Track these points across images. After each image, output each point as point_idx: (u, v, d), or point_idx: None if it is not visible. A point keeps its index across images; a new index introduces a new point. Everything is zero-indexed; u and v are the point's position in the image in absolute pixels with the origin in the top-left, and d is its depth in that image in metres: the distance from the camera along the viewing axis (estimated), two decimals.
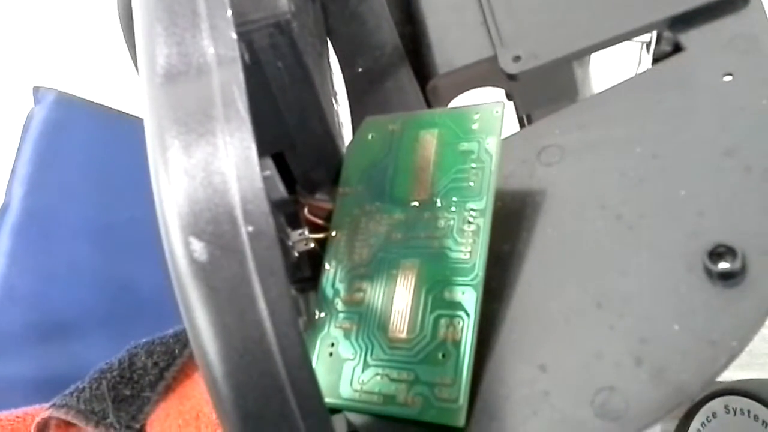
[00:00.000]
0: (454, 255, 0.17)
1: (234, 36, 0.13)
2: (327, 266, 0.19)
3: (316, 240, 0.19)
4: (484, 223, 0.17)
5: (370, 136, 0.20)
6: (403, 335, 0.17)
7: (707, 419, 0.37)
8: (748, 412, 0.34)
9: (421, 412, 0.16)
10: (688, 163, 0.17)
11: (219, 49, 0.13)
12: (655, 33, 0.21)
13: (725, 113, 0.17)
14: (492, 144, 0.18)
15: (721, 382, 0.36)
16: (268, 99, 0.17)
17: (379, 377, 0.17)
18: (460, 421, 0.15)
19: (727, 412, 0.35)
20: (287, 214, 0.19)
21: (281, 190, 0.18)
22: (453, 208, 0.18)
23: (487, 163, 0.18)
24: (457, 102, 0.24)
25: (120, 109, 0.46)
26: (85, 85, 0.48)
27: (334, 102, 0.22)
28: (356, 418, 0.17)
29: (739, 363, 0.15)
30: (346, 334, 0.18)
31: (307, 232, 0.19)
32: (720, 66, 0.18)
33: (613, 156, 0.18)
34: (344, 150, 0.20)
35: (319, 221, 0.20)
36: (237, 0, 0.14)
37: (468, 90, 0.24)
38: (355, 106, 0.23)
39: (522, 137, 0.20)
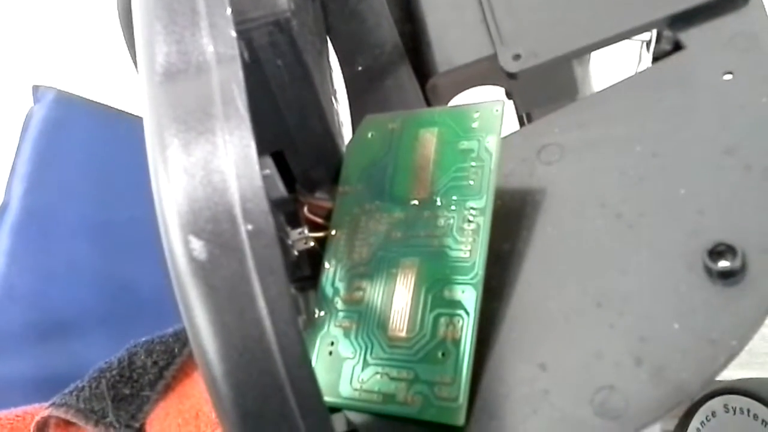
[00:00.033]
0: (453, 254, 0.17)
1: (233, 34, 0.13)
2: (327, 265, 0.19)
3: (316, 239, 0.19)
4: (483, 222, 0.17)
5: (369, 135, 0.20)
6: (403, 334, 0.17)
7: (707, 418, 0.37)
8: (748, 411, 0.34)
9: (420, 411, 0.16)
10: (688, 161, 0.17)
11: (218, 48, 0.13)
12: (655, 31, 0.20)
13: (725, 112, 0.17)
14: (492, 142, 0.18)
15: (720, 381, 0.36)
16: (267, 97, 0.17)
17: (378, 376, 0.17)
18: (460, 420, 0.15)
19: (727, 411, 0.35)
20: (287, 212, 0.19)
21: (281, 188, 0.18)
22: (453, 207, 0.18)
23: (487, 161, 0.18)
24: (456, 100, 0.24)
25: (119, 108, 0.46)
26: (84, 83, 0.48)
27: (333, 100, 0.22)
28: (356, 417, 0.17)
29: (738, 362, 0.15)
30: (346, 333, 0.18)
31: (306, 231, 0.19)
32: (720, 64, 0.18)
33: (613, 154, 0.18)
34: (344, 149, 0.20)
35: (319, 220, 0.19)
36: None
37: (468, 88, 0.24)
38: (355, 104, 0.23)
39: (522, 136, 0.20)
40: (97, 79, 0.48)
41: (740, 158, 0.16)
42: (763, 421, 0.34)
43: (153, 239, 0.13)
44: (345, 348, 0.17)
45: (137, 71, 0.13)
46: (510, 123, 0.24)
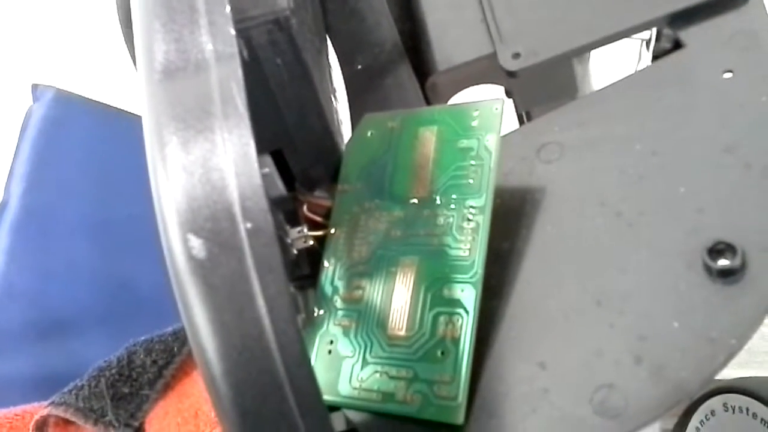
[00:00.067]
0: (453, 252, 0.17)
1: (232, 32, 0.13)
2: (326, 264, 0.19)
3: (315, 237, 0.19)
4: (483, 221, 0.17)
5: (369, 134, 0.20)
6: (402, 333, 0.17)
7: (706, 417, 0.37)
8: (747, 410, 0.34)
9: (420, 410, 0.16)
10: (688, 160, 0.17)
11: (217, 46, 0.13)
12: (654, 30, 0.20)
13: (725, 110, 0.17)
14: (491, 141, 0.18)
15: (719, 380, 0.36)
16: (266, 96, 0.17)
17: (378, 375, 0.17)
18: (459, 419, 0.15)
19: (726, 410, 0.35)
20: (286, 211, 0.19)
21: (280, 187, 0.18)
22: (452, 206, 0.17)
23: (487, 160, 0.17)
24: (456, 99, 0.24)
25: (119, 107, 0.46)
26: (83, 82, 0.47)
27: (333, 99, 0.22)
28: (355, 416, 0.17)
29: (737, 361, 0.15)
30: (345, 332, 0.18)
31: (306, 230, 0.19)
32: (720, 63, 0.18)
33: (613, 153, 0.18)
34: (343, 147, 0.20)
35: (318, 219, 0.19)
36: None
37: (467, 87, 0.24)
38: (355, 103, 0.23)
39: (521, 134, 0.20)
40: (97, 78, 0.48)
41: (740, 157, 0.16)
42: (762, 420, 0.34)
43: (152, 238, 0.12)
44: (344, 347, 0.17)
45: (136, 69, 0.13)
46: (509, 121, 0.24)
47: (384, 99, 0.23)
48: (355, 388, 0.17)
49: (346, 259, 0.18)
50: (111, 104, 0.46)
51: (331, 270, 0.19)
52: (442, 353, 0.16)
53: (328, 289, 0.18)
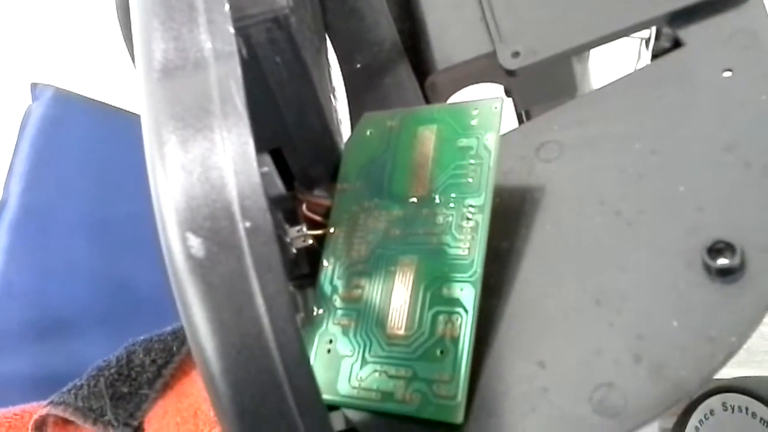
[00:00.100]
0: (452, 251, 0.17)
1: (231, 30, 0.13)
2: (325, 263, 0.19)
3: (314, 236, 0.19)
4: (482, 220, 0.17)
5: (368, 133, 0.20)
6: (402, 332, 0.17)
7: (705, 416, 0.37)
8: (746, 409, 0.34)
9: (419, 409, 0.16)
10: (688, 158, 0.17)
11: (216, 44, 0.13)
12: (654, 29, 0.20)
13: (725, 109, 0.17)
14: (491, 140, 0.18)
15: (719, 379, 0.36)
16: (265, 94, 0.17)
17: (377, 374, 0.17)
18: (459, 418, 0.15)
19: (725, 410, 0.36)
20: (285, 210, 0.19)
21: (279, 186, 0.18)
22: (451, 205, 0.17)
23: (486, 159, 0.17)
24: (455, 98, 0.24)
25: (118, 106, 0.46)
26: (82, 81, 0.47)
27: (332, 98, 0.22)
28: (354, 415, 0.17)
29: (736, 360, 0.15)
30: (345, 331, 0.17)
31: (305, 229, 0.19)
32: (720, 62, 0.18)
33: (612, 152, 0.18)
34: (342, 146, 0.20)
35: (318, 218, 0.19)
36: None
37: (467, 86, 0.24)
38: (354, 102, 0.23)
39: (521, 133, 0.20)
40: (96, 77, 0.48)
41: (740, 155, 0.16)
42: (761, 419, 0.34)
43: (151, 237, 0.12)
44: (343, 346, 0.17)
45: (135, 68, 0.13)
46: (509, 120, 0.24)
47: (383, 98, 0.23)
48: (354, 388, 0.17)
49: (345, 258, 0.18)
50: (110, 103, 0.46)
51: (330, 269, 0.19)
52: (442, 352, 0.16)
53: (328, 288, 0.18)
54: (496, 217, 0.17)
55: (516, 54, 0.20)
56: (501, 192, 0.18)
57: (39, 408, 0.26)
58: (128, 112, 0.46)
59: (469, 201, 0.17)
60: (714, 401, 0.36)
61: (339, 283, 0.18)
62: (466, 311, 0.16)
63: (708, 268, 0.15)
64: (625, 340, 0.15)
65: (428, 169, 0.18)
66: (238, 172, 0.12)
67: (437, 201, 0.18)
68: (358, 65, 0.24)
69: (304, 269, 0.19)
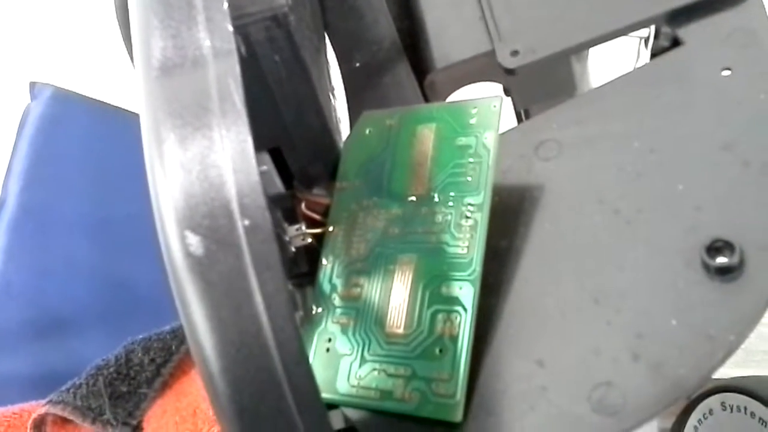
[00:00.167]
0: (451, 250, 0.17)
1: (230, 28, 0.13)
2: (324, 261, 0.19)
3: (313, 235, 0.19)
4: (481, 218, 0.17)
5: (367, 131, 0.20)
6: (401, 330, 0.17)
7: (704, 416, 0.37)
8: (745, 409, 0.35)
9: (418, 408, 0.16)
10: (686, 157, 0.17)
11: (215, 42, 0.13)
12: (653, 28, 0.20)
13: (723, 108, 0.17)
14: (490, 139, 0.18)
15: (717, 379, 0.36)
16: (264, 93, 0.17)
17: (376, 372, 0.17)
18: (458, 417, 0.15)
19: (724, 409, 0.36)
20: (284, 209, 0.19)
21: (278, 185, 0.18)
22: (450, 203, 0.17)
23: (485, 157, 0.17)
24: (454, 97, 0.24)
25: (117, 105, 0.46)
26: (81, 80, 0.47)
27: (331, 97, 0.22)
28: (353, 414, 0.17)
29: (735, 360, 0.15)
30: (344, 330, 0.17)
31: (304, 227, 0.19)
32: (718, 60, 0.18)
33: (611, 151, 0.18)
34: (342, 145, 0.20)
35: (317, 216, 0.19)
36: None
37: (466, 85, 0.24)
38: (353, 101, 0.23)
39: (520, 132, 0.20)
40: (95, 76, 0.48)
41: (738, 154, 0.16)
42: (760, 419, 0.34)
43: (150, 236, 0.12)
44: (342, 344, 0.17)
45: (134, 66, 0.13)
46: (508, 119, 0.24)
47: (382, 97, 0.23)
48: (353, 386, 0.17)
49: (344, 256, 0.18)
50: (109, 102, 0.46)
51: (329, 268, 0.19)
52: (441, 351, 0.16)
53: (327, 287, 0.18)
54: (495, 216, 0.17)
55: (515, 53, 0.20)
56: (500, 191, 0.18)
57: (38, 407, 0.26)
58: (127, 111, 0.46)
59: (468, 199, 0.17)
60: (713, 401, 0.36)
61: (338, 282, 0.18)
62: (465, 310, 0.16)
63: (707, 267, 0.15)
64: (623, 339, 0.15)
65: (427, 167, 0.18)
66: (236, 170, 0.12)
67: (436, 199, 0.18)
68: (357, 64, 0.24)
69: (303, 268, 0.19)
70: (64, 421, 0.26)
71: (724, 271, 0.15)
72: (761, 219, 0.15)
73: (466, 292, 0.16)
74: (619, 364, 0.15)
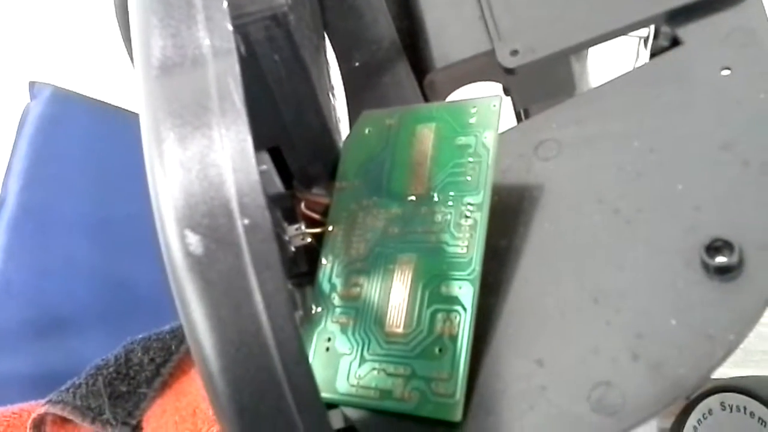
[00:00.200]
0: (451, 249, 0.17)
1: (230, 27, 0.13)
2: (324, 261, 0.19)
3: (313, 235, 0.19)
4: (481, 218, 0.17)
5: (367, 131, 0.20)
6: (400, 330, 0.17)
7: (703, 416, 0.37)
8: (744, 409, 0.35)
9: (417, 407, 0.16)
10: (686, 157, 0.17)
11: (215, 41, 0.13)
12: (652, 27, 0.20)
13: (723, 107, 0.17)
14: (489, 138, 0.18)
15: (717, 379, 0.36)
16: (264, 92, 0.17)
17: (375, 372, 0.17)
18: (457, 416, 0.15)
19: (723, 409, 0.36)
20: (284, 208, 0.19)
21: (278, 184, 0.18)
22: (450, 203, 0.17)
23: (485, 157, 0.17)
24: (454, 96, 0.24)
25: (116, 105, 0.46)
26: (81, 80, 0.47)
27: (331, 96, 0.22)
28: (353, 413, 0.17)
29: (734, 360, 0.15)
30: (343, 329, 0.17)
31: (303, 227, 0.19)
32: (718, 60, 0.18)
33: (611, 150, 0.18)
34: (341, 144, 0.20)
35: (316, 216, 0.19)
36: None
37: (465, 84, 0.24)
38: (352, 100, 0.23)
39: (519, 132, 0.20)
40: (94, 76, 0.48)
41: (738, 154, 0.16)
42: (759, 418, 0.34)
43: (150, 236, 0.12)
44: (342, 344, 0.17)
45: (133, 66, 0.13)
46: (507, 119, 0.24)
47: (382, 96, 0.23)
48: (352, 386, 0.17)
49: (343, 256, 0.18)
50: (108, 102, 0.46)
51: (328, 267, 0.19)
52: (440, 350, 0.16)
53: (326, 287, 0.18)
54: (495, 216, 0.17)
55: (515, 52, 0.20)
56: (499, 190, 0.18)
57: (37, 406, 0.26)
58: (126, 110, 0.46)
59: (468, 199, 0.17)
60: (712, 401, 0.36)
61: (337, 282, 0.18)
62: (464, 309, 0.16)
63: (706, 267, 0.15)
64: (623, 339, 0.15)
65: (427, 167, 0.18)
66: (236, 169, 0.12)
67: (436, 199, 0.18)
68: (357, 63, 0.24)
69: (302, 267, 0.19)
70: (64, 420, 0.26)
71: (723, 271, 0.15)
72: (761, 218, 0.15)
73: (465, 291, 0.16)
74: (619, 364, 0.15)
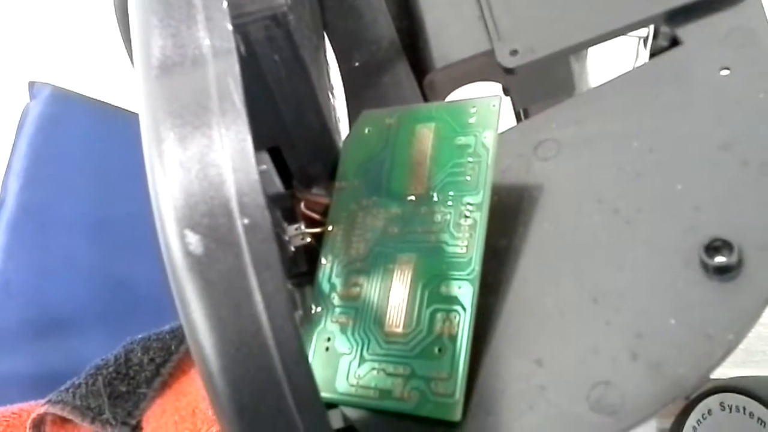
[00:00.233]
0: (450, 249, 0.17)
1: (230, 27, 0.13)
2: (323, 261, 0.19)
3: (313, 234, 0.19)
4: (480, 218, 0.17)
5: (366, 131, 0.20)
6: (400, 330, 0.17)
7: (703, 416, 0.37)
8: (744, 409, 0.35)
9: (417, 407, 0.16)
10: (685, 157, 0.17)
11: (214, 41, 0.13)
12: (652, 27, 0.21)
13: (722, 107, 0.17)
14: (489, 138, 0.18)
15: (716, 379, 0.36)
16: (264, 92, 0.17)
17: (375, 372, 0.17)
18: (457, 416, 0.15)
19: (723, 409, 0.36)
20: (284, 208, 0.19)
21: (278, 184, 0.18)
22: (450, 203, 0.17)
23: (484, 157, 0.17)
24: (454, 96, 0.24)
25: (116, 105, 0.46)
26: (81, 80, 0.47)
27: (330, 96, 0.22)
28: (352, 413, 0.17)
29: (734, 360, 0.15)
30: (343, 329, 0.18)
31: (303, 227, 0.19)
32: (717, 60, 0.18)
33: (610, 150, 0.18)
34: (341, 144, 0.20)
35: (316, 216, 0.19)
36: None
37: (465, 84, 0.24)
38: (352, 100, 0.23)
39: (519, 131, 0.20)
40: (94, 76, 0.48)
41: (737, 154, 0.16)
42: (759, 419, 0.34)
43: (150, 236, 0.12)
44: (342, 344, 0.17)
45: (133, 65, 0.13)
46: (507, 119, 0.24)
47: (381, 96, 0.23)
48: (352, 386, 0.17)
49: (343, 256, 0.18)
50: (108, 102, 0.46)
51: (328, 267, 0.19)
52: (440, 350, 0.16)
53: (326, 287, 0.18)
54: (494, 215, 0.17)
55: (514, 52, 0.20)
56: (499, 190, 0.18)
57: (37, 406, 0.26)
58: (126, 110, 0.46)
59: (467, 199, 0.17)
60: (712, 401, 0.36)
61: (337, 281, 0.18)
62: (464, 309, 0.16)
63: (705, 266, 0.15)
64: (622, 338, 0.15)
65: (426, 167, 0.18)
66: (236, 169, 0.12)
67: (435, 199, 0.18)
68: (357, 63, 0.24)
69: (302, 267, 0.19)
70: (64, 420, 0.26)
71: (722, 271, 0.15)
72: (760, 218, 0.15)
73: (465, 291, 0.16)
74: (618, 364, 0.15)
